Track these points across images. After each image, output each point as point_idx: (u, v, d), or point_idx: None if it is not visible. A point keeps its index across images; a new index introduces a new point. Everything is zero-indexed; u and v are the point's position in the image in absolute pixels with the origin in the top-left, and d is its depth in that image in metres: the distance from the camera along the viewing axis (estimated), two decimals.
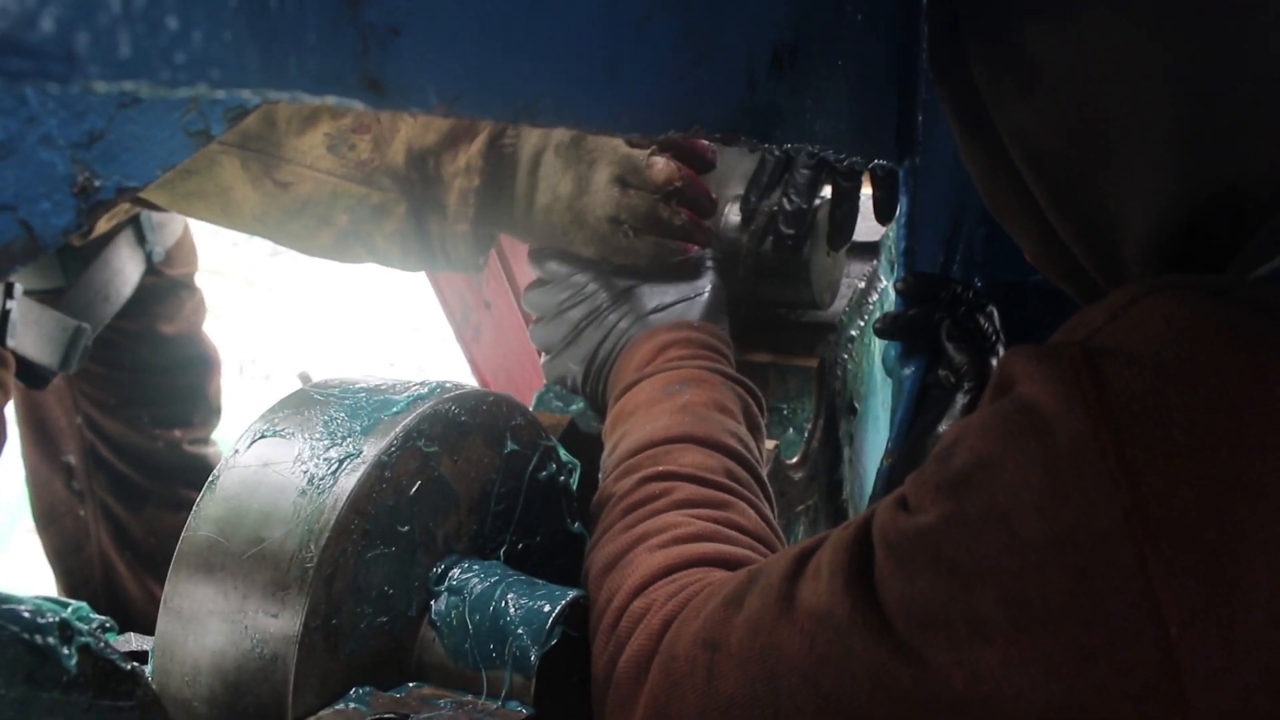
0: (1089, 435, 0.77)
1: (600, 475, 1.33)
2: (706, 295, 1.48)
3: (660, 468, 1.24)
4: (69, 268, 2.26)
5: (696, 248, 1.47)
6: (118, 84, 0.49)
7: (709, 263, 1.51)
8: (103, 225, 2.17)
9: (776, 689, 0.93)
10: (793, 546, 1.01)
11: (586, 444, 1.44)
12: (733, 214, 1.70)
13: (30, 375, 2.21)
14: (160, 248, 2.41)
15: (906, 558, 0.85)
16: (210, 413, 2.62)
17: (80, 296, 2.27)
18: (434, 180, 1.45)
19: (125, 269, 2.33)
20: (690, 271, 1.48)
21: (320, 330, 6.83)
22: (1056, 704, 0.78)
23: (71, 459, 2.51)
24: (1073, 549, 0.77)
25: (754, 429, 1.38)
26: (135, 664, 0.88)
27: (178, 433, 2.54)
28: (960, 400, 1.56)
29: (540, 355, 1.56)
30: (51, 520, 2.55)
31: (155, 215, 2.34)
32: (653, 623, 1.07)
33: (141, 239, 2.36)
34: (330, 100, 0.60)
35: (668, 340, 1.41)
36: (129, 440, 2.51)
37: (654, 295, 1.47)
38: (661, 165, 1.40)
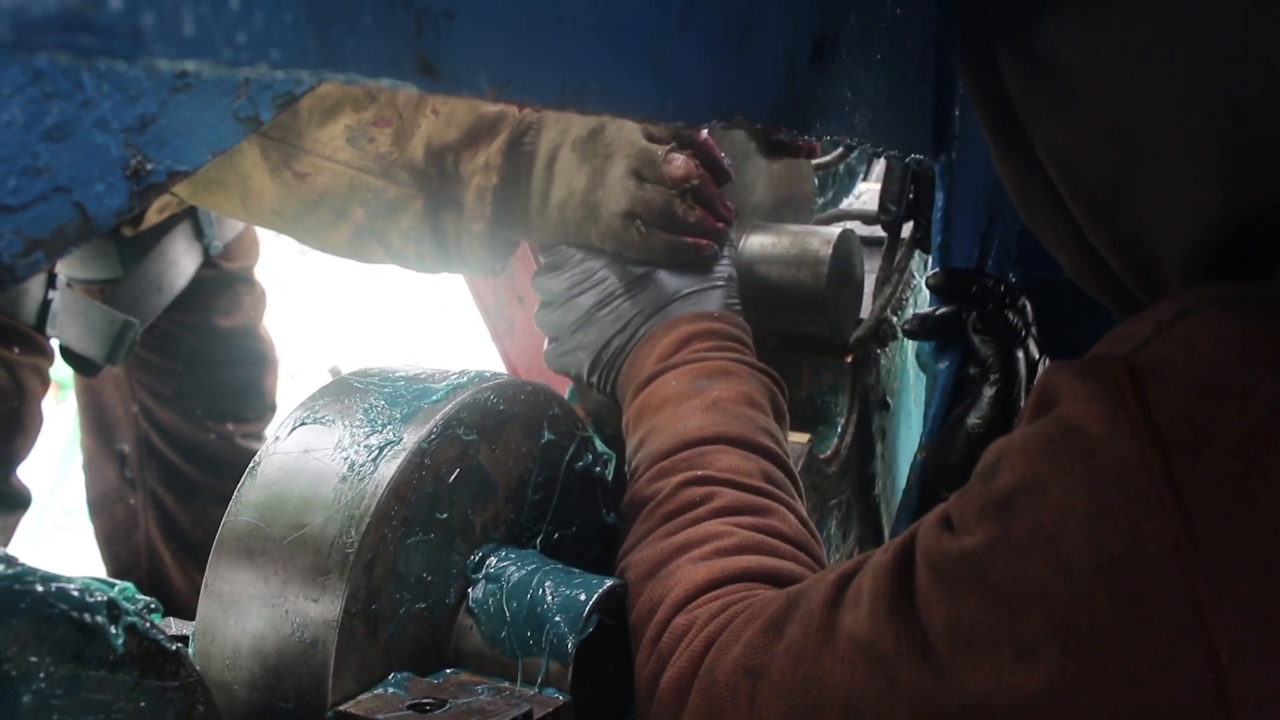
0: (1136, 458, 0.77)
1: (628, 469, 1.32)
2: (723, 285, 1.46)
3: (698, 472, 1.23)
4: (127, 258, 2.27)
5: (710, 247, 1.45)
6: (180, 63, 0.50)
7: (724, 256, 1.48)
8: (154, 216, 2.18)
9: (819, 719, 0.93)
10: (832, 569, 1.01)
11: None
12: (748, 245, 1.67)
13: (82, 363, 2.22)
14: (219, 241, 2.41)
15: (952, 581, 0.85)
16: (265, 408, 2.63)
17: (134, 287, 2.28)
18: (452, 177, 1.45)
19: (180, 261, 2.34)
20: (704, 263, 1.45)
21: (350, 328, 6.85)
22: None
23: (125, 447, 2.53)
24: (1122, 575, 0.76)
25: (780, 418, 1.37)
26: (180, 645, 0.89)
27: (230, 426, 2.55)
28: (987, 393, 1.55)
29: (546, 343, 1.53)
30: (103, 507, 2.57)
31: None
32: (695, 644, 1.06)
33: (199, 232, 2.37)
34: (385, 83, 0.61)
35: (690, 332, 1.38)
36: (182, 431, 2.52)
37: (670, 282, 1.43)
38: (680, 161, 1.39)
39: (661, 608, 1.12)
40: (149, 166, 0.72)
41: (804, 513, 1.27)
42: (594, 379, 1.46)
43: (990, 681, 0.81)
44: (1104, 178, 1.01)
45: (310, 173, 1.46)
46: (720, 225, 1.46)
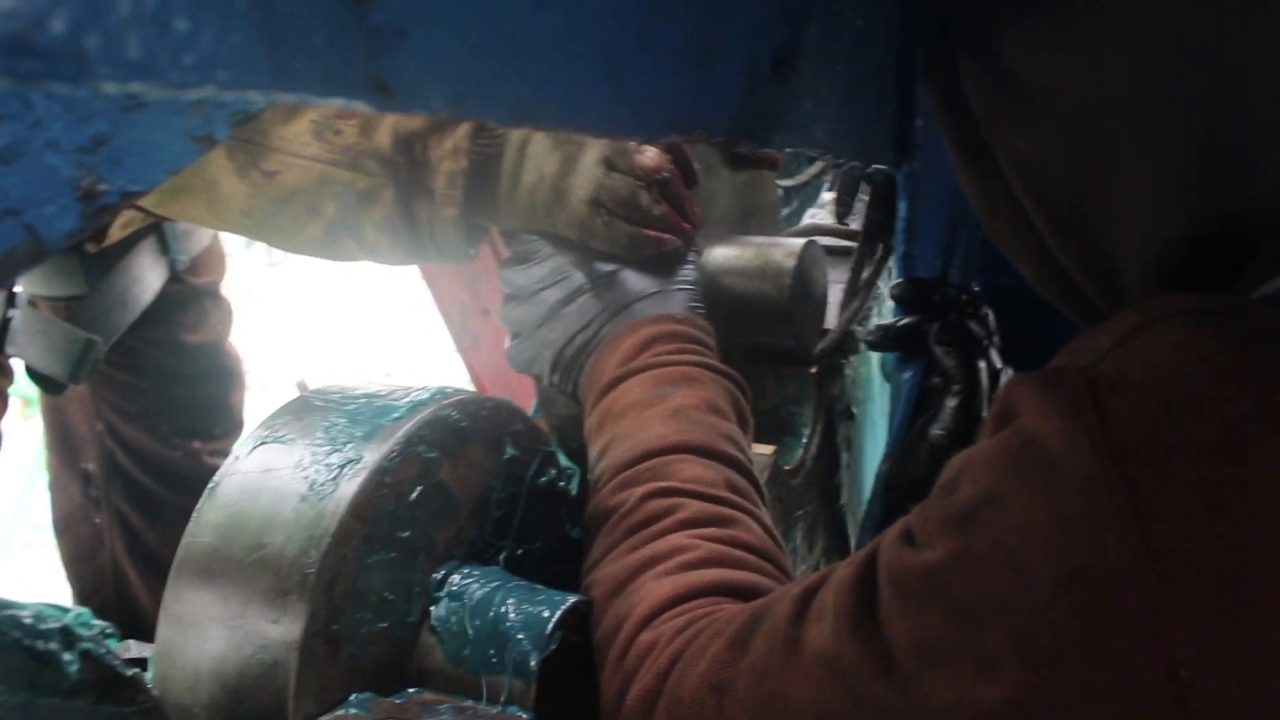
0: (1096, 472, 0.77)
1: (590, 478, 1.31)
2: (688, 288, 1.45)
3: (661, 483, 1.22)
4: (91, 274, 2.25)
5: (673, 241, 1.44)
6: (126, 85, 0.49)
7: (689, 258, 1.47)
8: (116, 233, 2.16)
9: None
10: (796, 584, 1.00)
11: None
12: (711, 256, 1.65)
13: (47, 381, 2.20)
14: (185, 255, 2.39)
15: (914, 595, 0.85)
16: (232, 425, 2.60)
17: (98, 303, 2.25)
18: (421, 164, 1.44)
19: (146, 276, 2.32)
20: (668, 264, 1.44)
21: (318, 341, 6.83)
22: None
23: (90, 466, 2.50)
24: (1081, 588, 0.76)
25: (744, 424, 1.36)
26: (136, 670, 0.88)
27: (197, 444, 2.52)
28: (949, 404, 1.55)
29: (507, 338, 1.51)
30: (68, 527, 2.54)
31: (180, 224, 2.33)
32: (660, 660, 1.06)
33: (165, 247, 2.35)
34: (337, 102, 0.60)
35: (653, 334, 1.37)
36: (148, 449, 2.50)
37: (636, 282, 1.42)
38: (651, 154, 1.39)
39: (626, 625, 1.11)
40: (102, 187, 0.71)
41: (768, 521, 1.26)
42: (556, 377, 1.44)
43: (953, 695, 0.81)
44: (1067, 189, 1.00)
45: (278, 170, 1.45)
46: (685, 225, 1.45)
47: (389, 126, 1.43)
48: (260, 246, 7.57)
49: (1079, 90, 0.97)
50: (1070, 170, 0.99)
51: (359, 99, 0.61)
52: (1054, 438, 0.79)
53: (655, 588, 1.13)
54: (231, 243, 2.37)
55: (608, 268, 1.43)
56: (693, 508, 1.20)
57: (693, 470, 1.23)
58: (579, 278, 1.43)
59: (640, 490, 1.22)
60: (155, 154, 0.74)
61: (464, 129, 1.43)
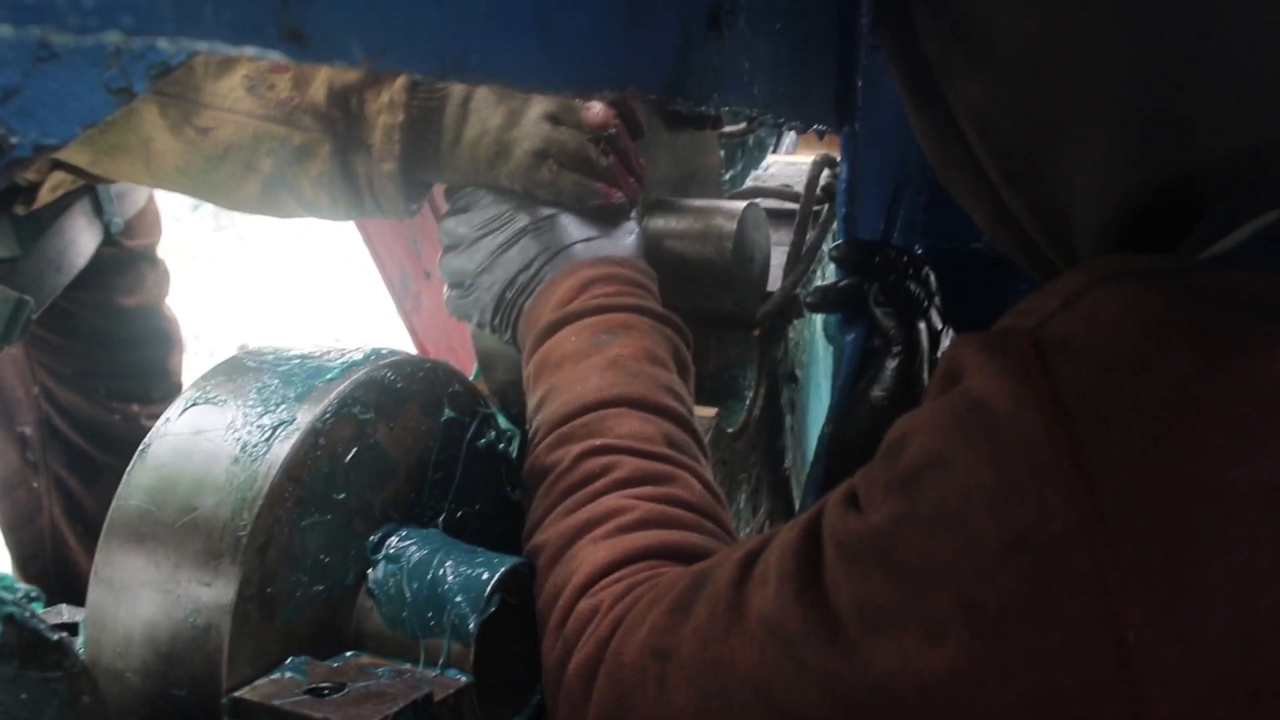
0: (1042, 434, 0.76)
1: (528, 430, 1.30)
2: (632, 237, 1.43)
3: (598, 440, 1.21)
4: (24, 237, 2.22)
5: (619, 195, 1.43)
6: (24, 28, 0.48)
7: (633, 214, 1.46)
8: (47, 195, 2.13)
9: (729, 702, 0.92)
10: (738, 546, 0.99)
11: None
12: (652, 221, 1.64)
13: None
14: (119, 218, 2.36)
15: (858, 559, 0.84)
16: (170, 388, 2.58)
17: (31, 266, 2.22)
18: (357, 118, 1.42)
19: (80, 239, 2.29)
20: (612, 217, 1.43)
21: (264, 305, 6.78)
22: (1011, 708, 0.76)
23: (27, 430, 2.47)
24: (1027, 552, 0.75)
25: (684, 373, 1.34)
26: (63, 634, 0.86)
27: (135, 407, 2.50)
28: (889, 365, 1.54)
29: (445, 289, 1.49)
30: (6, 491, 2.52)
31: (115, 185, 2.29)
32: (600, 628, 1.05)
33: (99, 209, 2.32)
34: (250, 51, 0.59)
35: (591, 276, 1.35)
36: (85, 413, 2.47)
37: (578, 227, 1.41)
38: (598, 109, 1.38)
39: (565, 592, 1.10)
40: (13, 140, 0.70)
41: (709, 476, 1.25)
42: (496, 320, 1.43)
43: (898, 661, 0.80)
44: (1020, 141, 0.99)
45: (212, 127, 1.43)
46: (631, 179, 1.45)
47: (324, 81, 1.42)
48: (206, 210, 7.52)
49: (1033, 42, 0.96)
50: (1022, 122, 0.98)
51: (273, 48, 0.60)
52: (1000, 399, 0.78)
53: (593, 553, 1.12)
54: (176, 207, 2.34)
55: (549, 211, 1.41)
56: (629, 465, 1.19)
57: (630, 425, 1.22)
58: (521, 219, 1.41)
59: (576, 448, 1.21)
60: (70, 106, 0.72)
61: (400, 82, 1.41)
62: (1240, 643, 0.73)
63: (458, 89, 1.41)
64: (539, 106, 1.39)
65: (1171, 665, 0.73)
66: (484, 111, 1.40)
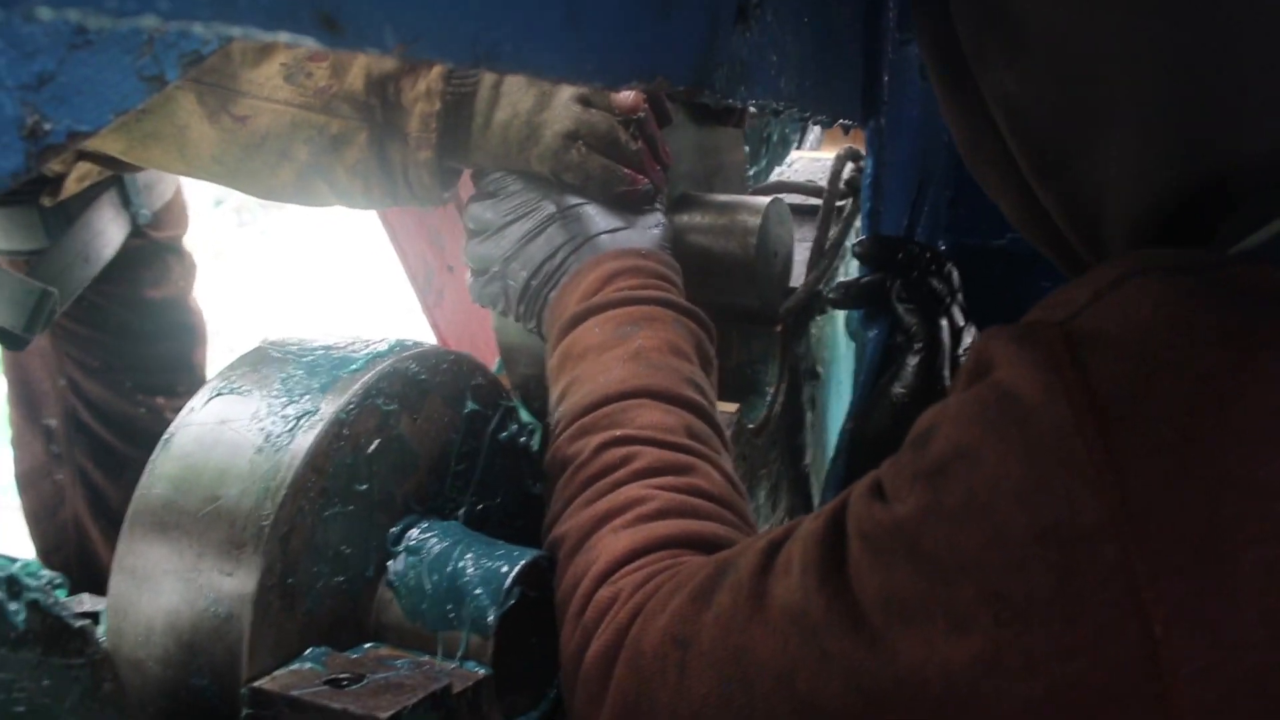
0: (1072, 426, 0.76)
1: (550, 421, 1.29)
2: (658, 229, 1.43)
3: (618, 431, 1.20)
4: (51, 229, 2.22)
5: (645, 182, 1.42)
6: (62, 11, 0.47)
7: (659, 203, 1.45)
8: (73, 185, 2.13)
9: (751, 691, 0.91)
10: (761, 536, 0.99)
11: None
12: (676, 215, 1.63)
13: (5, 335, 2.18)
14: (147, 210, 2.36)
15: (884, 550, 0.83)
16: (195, 382, 2.57)
17: (58, 258, 2.23)
18: (394, 106, 1.42)
19: (107, 230, 2.29)
20: (638, 204, 1.43)
21: (286, 300, 6.80)
22: (1037, 701, 0.76)
23: (52, 422, 2.48)
24: (1056, 544, 0.75)
25: (707, 365, 1.34)
26: (85, 621, 0.86)
27: (160, 400, 2.50)
28: (911, 362, 1.54)
29: (469, 276, 1.49)
30: (30, 483, 2.52)
31: (141, 177, 2.29)
32: (620, 615, 1.04)
33: (126, 201, 2.32)
34: (284, 37, 0.59)
35: (616, 269, 1.35)
36: (111, 405, 2.47)
37: (604, 218, 1.40)
38: (628, 93, 1.38)
39: (584, 581, 1.10)
40: (47, 126, 0.70)
41: (729, 468, 1.24)
42: (521, 308, 1.42)
43: (923, 652, 0.80)
44: (1053, 133, 0.99)
45: (249, 115, 1.43)
46: (658, 167, 1.44)
47: (361, 69, 1.42)
48: (228, 206, 7.54)
49: (1070, 33, 0.95)
50: (1056, 114, 0.98)
51: (306, 34, 0.60)
52: (1030, 390, 0.78)
53: (613, 542, 1.11)
54: (199, 203, 2.34)
55: (576, 200, 1.41)
56: (650, 456, 1.18)
57: (651, 416, 1.22)
58: (547, 208, 1.41)
59: (597, 439, 1.21)
60: (103, 93, 0.72)
61: (437, 70, 1.41)
62: (1269, 637, 0.72)
63: (489, 74, 1.41)
64: (570, 89, 1.39)
65: (1199, 659, 0.72)
66: (515, 95, 1.40)
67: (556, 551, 1.17)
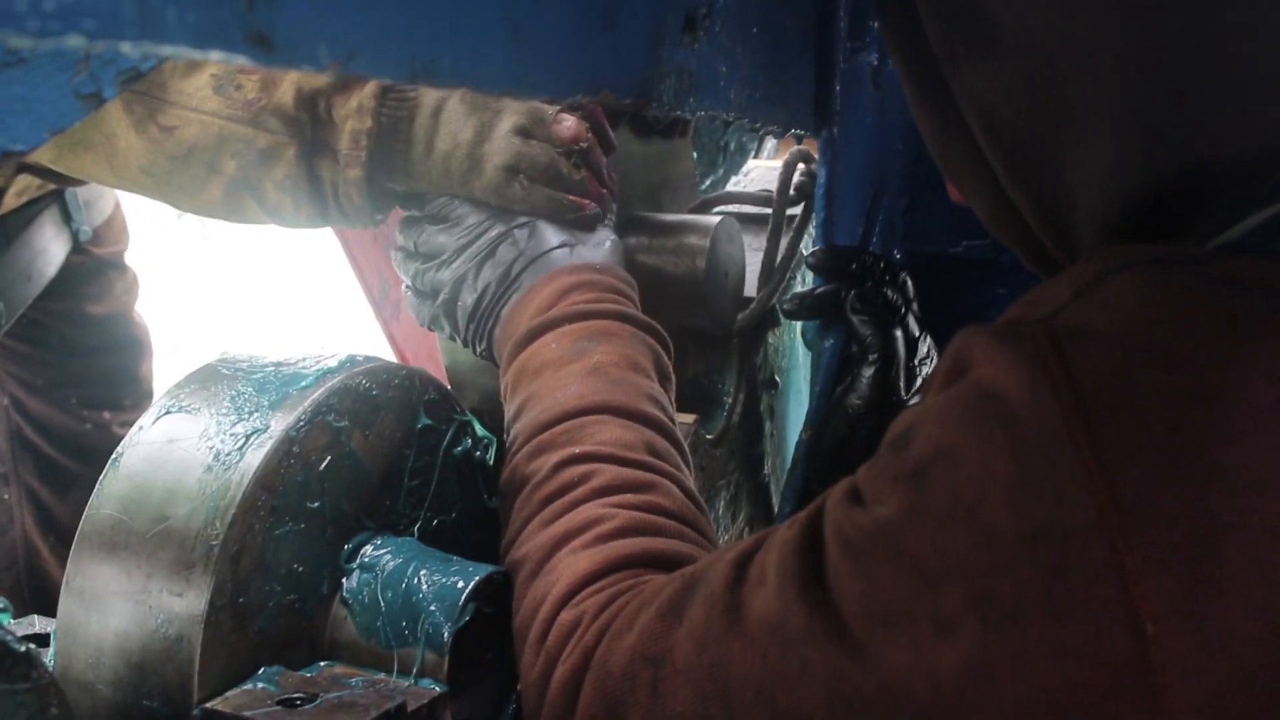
0: (1059, 424, 0.75)
1: (506, 438, 1.28)
2: (609, 244, 1.42)
3: (576, 448, 1.19)
4: None
5: (593, 206, 1.41)
6: None
7: (607, 220, 1.44)
8: (12, 200, 2.12)
9: (730, 706, 0.90)
10: (729, 548, 0.98)
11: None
12: (626, 237, 1.61)
13: None
14: (88, 226, 2.35)
15: (865, 555, 0.82)
16: (141, 395, 2.57)
17: (1, 276, 2.22)
18: (324, 122, 1.41)
19: (49, 248, 2.28)
20: (588, 225, 1.42)
21: (242, 315, 6.77)
22: (1027, 703, 0.76)
23: None
24: (1046, 544, 0.74)
25: (665, 381, 1.32)
26: (31, 645, 0.85)
27: (106, 415, 2.49)
28: (866, 373, 1.53)
29: (411, 299, 1.47)
30: None
31: (82, 193, 2.28)
32: (585, 638, 1.03)
33: (68, 217, 2.31)
34: (215, 55, 0.58)
35: (570, 283, 1.33)
36: (56, 422, 2.46)
37: (556, 234, 1.38)
38: (570, 123, 1.37)
39: (545, 605, 1.08)
40: None
41: (690, 485, 1.23)
42: (471, 328, 1.40)
43: (908, 658, 0.79)
44: (1024, 132, 0.98)
45: (177, 125, 1.42)
46: (604, 191, 1.43)
47: (292, 83, 1.41)
48: (190, 218, 7.48)
49: (1042, 32, 0.94)
50: (1027, 113, 0.97)
51: (238, 53, 0.59)
52: (1014, 389, 0.77)
53: (573, 564, 1.10)
54: (163, 215, 2.33)
55: (525, 220, 1.39)
56: (608, 473, 1.17)
57: (610, 432, 1.20)
58: (498, 226, 1.39)
59: (555, 457, 1.19)
60: (39, 111, 0.71)
61: (369, 87, 1.40)
62: (1261, 633, 0.72)
63: (428, 99, 1.40)
64: (509, 120, 1.38)
65: (1191, 656, 0.72)
66: (455, 124, 1.39)
67: (515, 574, 1.15)
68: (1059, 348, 0.77)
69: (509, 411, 1.29)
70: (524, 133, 1.37)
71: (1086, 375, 0.76)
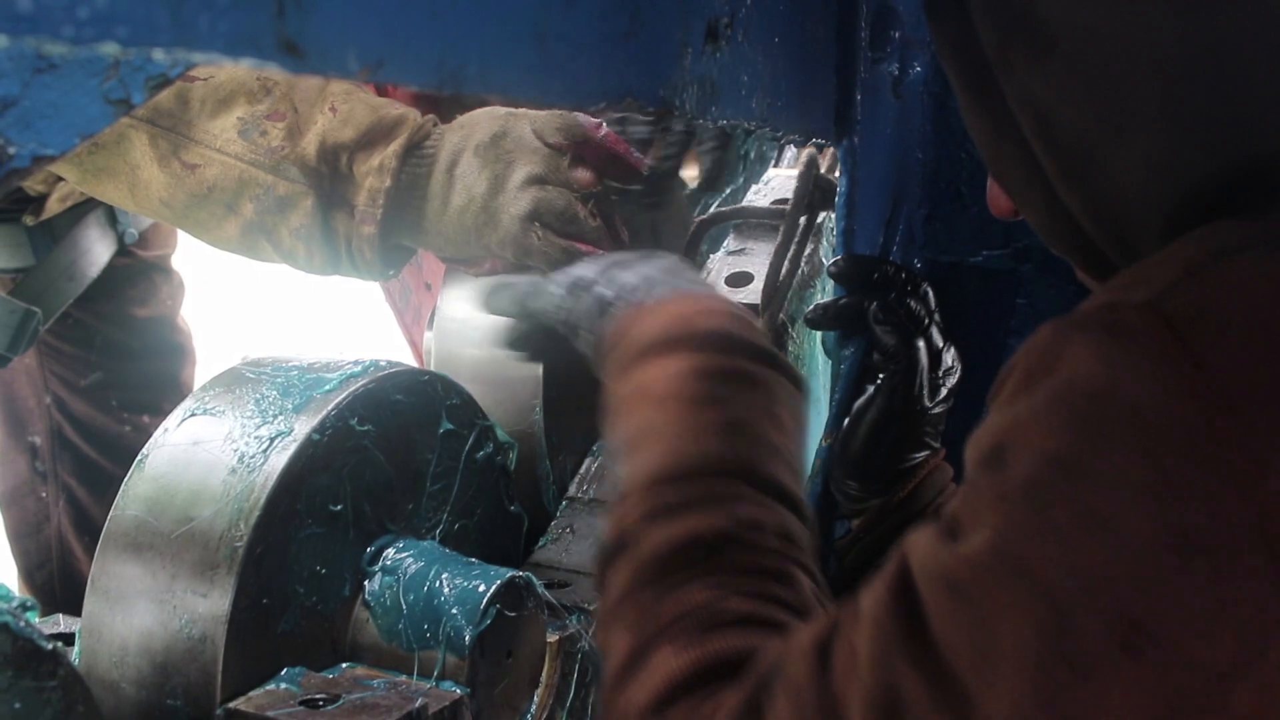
0: (1199, 423, 0.69)
1: (607, 461, 1.11)
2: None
3: (706, 519, 0.97)
4: (38, 247, 2.22)
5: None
6: (20, 39, 0.48)
7: None
8: (55, 205, 2.14)
9: None
10: (798, 637, 0.85)
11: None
12: None
13: None
14: (134, 229, 2.36)
15: (973, 590, 0.73)
16: (181, 400, 2.57)
17: (43, 275, 2.23)
18: (344, 177, 1.42)
19: (94, 249, 2.29)
20: None
21: (266, 320, 6.78)
22: None
23: (37, 439, 2.47)
24: (1198, 553, 0.68)
25: (800, 435, 1.10)
26: (57, 644, 0.86)
27: (146, 419, 2.50)
28: (888, 383, 1.51)
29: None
30: (14, 500, 2.51)
31: None
32: None
33: (114, 219, 2.32)
34: (246, 62, 0.59)
35: (710, 305, 1.10)
36: (97, 423, 2.47)
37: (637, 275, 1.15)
38: (584, 172, 1.39)
39: (631, 713, 0.90)
40: (11, 150, 0.70)
41: (819, 575, 1.03)
42: (600, 319, 1.13)
43: (1031, 703, 0.71)
44: (1082, 134, 0.95)
45: (200, 164, 1.43)
46: (617, 240, 1.43)
47: (317, 135, 1.42)
48: None
49: (1097, 30, 0.92)
50: (1084, 114, 0.94)
51: (269, 59, 0.60)
52: (1132, 385, 0.71)
53: (668, 665, 0.90)
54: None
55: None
56: (733, 556, 0.98)
57: (745, 510, 1.00)
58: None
59: (680, 523, 0.98)
60: (69, 117, 0.72)
61: (393, 146, 1.41)
62: None
63: (443, 155, 1.40)
64: (523, 170, 1.37)
65: None
66: (469, 178, 1.39)
67: (607, 633, 0.97)
68: (1180, 337, 0.71)
69: (615, 434, 1.08)
70: (539, 180, 1.37)
71: (1222, 368, 0.70)
